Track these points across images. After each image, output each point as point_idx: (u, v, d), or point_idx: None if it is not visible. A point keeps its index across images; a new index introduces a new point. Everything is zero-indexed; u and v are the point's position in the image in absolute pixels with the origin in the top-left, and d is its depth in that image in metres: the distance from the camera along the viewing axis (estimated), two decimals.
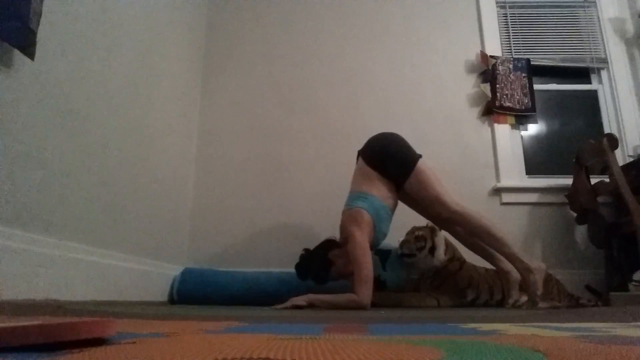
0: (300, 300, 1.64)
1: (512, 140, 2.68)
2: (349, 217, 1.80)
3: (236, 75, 2.79)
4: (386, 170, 1.86)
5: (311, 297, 1.66)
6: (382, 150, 1.89)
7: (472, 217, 1.78)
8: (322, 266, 1.84)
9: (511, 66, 2.75)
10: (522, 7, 2.97)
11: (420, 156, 1.91)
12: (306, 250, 1.93)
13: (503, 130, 2.68)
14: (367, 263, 1.67)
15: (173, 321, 0.77)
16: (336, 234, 1.99)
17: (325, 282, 1.87)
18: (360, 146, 2.05)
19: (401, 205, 2.60)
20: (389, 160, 1.86)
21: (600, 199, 2.26)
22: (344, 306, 1.63)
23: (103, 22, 1.54)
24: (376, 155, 1.89)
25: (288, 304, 1.63)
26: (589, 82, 2.86)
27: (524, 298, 2.02)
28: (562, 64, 2.86)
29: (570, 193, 2.36)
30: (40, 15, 1.14)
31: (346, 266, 1.83)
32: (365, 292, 1.62)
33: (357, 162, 1.98)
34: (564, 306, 1.96)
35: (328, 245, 1.89)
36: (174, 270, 2.18)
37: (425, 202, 1.86)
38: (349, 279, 1.88)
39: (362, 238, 1.71)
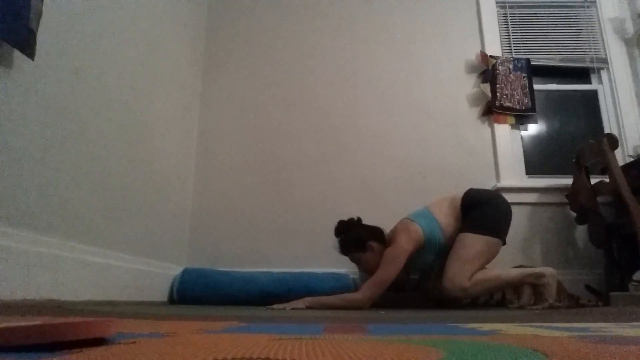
0: (299, 304, 1.64)
1: (512, 140, 2.68)
2: (403, 226, 1.81)
3: (236, 75, 2.79)
4: (469, 212, 1.83)
5: (308, 300, 1.67)
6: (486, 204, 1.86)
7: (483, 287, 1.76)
8: (357, 242, 1.85)
9: (511, 66, 2.75)
10: (522, 7, 2.97)
11: (504, 242, 1.87)
12: (359, 219, 1.95)
13: (503, 130, 2.68)
14: (393, 270, 1.69)
15: (173, 321, 0.77)
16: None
17: (348, 254, 1.89)
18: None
19: (401, 206, 2.60)
20: (481, 212, 1.82)
21: (600, 199, 2.25)
22: (341, 307, 1.63)
23: (103, 22, 1.54)
24: (476, 204, 1.85)
25: (287, 305, 1.63)
26: (589, 82, 2.86)
27: (525, 298, 2.02)
28: (562, 64, 2.86)
29: (570, 193, 2.36)
30: (40, 15, 1.14)
31: (372, 263, 1.83)
32: (369, 294, 1.63)
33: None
34: (564, 306, 1.96)
35: (376, 233, 1.89)
36: (174, 270, 2.18)
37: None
38: (364, 275, 1.90)
39: (404, 249, 1.71)
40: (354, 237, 1.87)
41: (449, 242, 1.83)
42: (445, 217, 1.84)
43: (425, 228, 1.79)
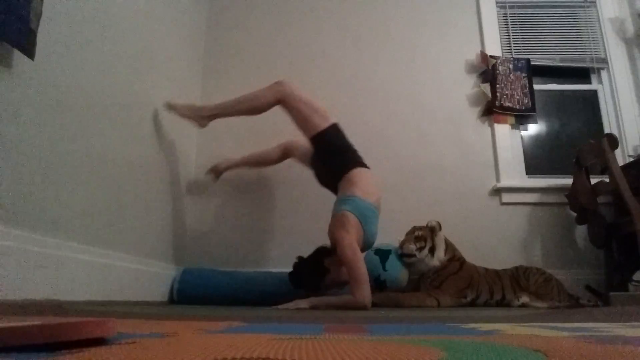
0: (304, 303, 1.64)
1: (512, 140, 2.68)
2: (335, 222, 1.78)
3: (236, 75, 2.79)
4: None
5: (314, 300, 1.66)
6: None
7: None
8: (316, 274, 1.83)
9: (511, 66, 2.75)
10: (522, 7, 2.97)
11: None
12: (299, 258, 1.93)
13: (503, 130, 2.68)
14: (359, 263, 1.66)
15: (173, 321, 0.77)
16: None
17: (319, 290, 1.86)
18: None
19: (401, 206, 2.60)
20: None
21: (600, 199, 2.26)
22: (345, 307, 1.63)
23: (103, 22, 1.54)
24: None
25: (292, 305, 1.63)
26: (589, 82, 2.86)
27: (525, 298, 2.02)
28: (562, 64, 2.86)
29: (570, 193, 2.36)
30: (40, 15, 1.14)
31: (340, 274, 1.83)
32: (363, 293, 1.62)
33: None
34: (564, 306, 1.96)
35: (322, 252, 1.88)
36: (174, 270, 2.18)
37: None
38: (342, 288, 1.88)
39: (350, 240, 1.69)
40: (310, 273, 1.85)
41: (373, 197, 1.86)
42: (359, 188, 1.84)
43: (350, 209, 1.78)
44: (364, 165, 1.98)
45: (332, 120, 2.00)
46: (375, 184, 1.94)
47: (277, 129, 2.67)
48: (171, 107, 2.06)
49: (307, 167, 2.22)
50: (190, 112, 2.06)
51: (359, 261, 1.67)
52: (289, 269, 1.93)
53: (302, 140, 2.20)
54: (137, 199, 1.80)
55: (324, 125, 1.97)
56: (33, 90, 1.17)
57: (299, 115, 2.00)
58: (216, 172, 2.41)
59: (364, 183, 1.87)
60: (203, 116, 2.06)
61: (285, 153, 2.33)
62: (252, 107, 2.02)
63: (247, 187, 2.58)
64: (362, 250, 1.80)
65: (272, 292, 2.07)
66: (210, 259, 2.44)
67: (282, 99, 1.99)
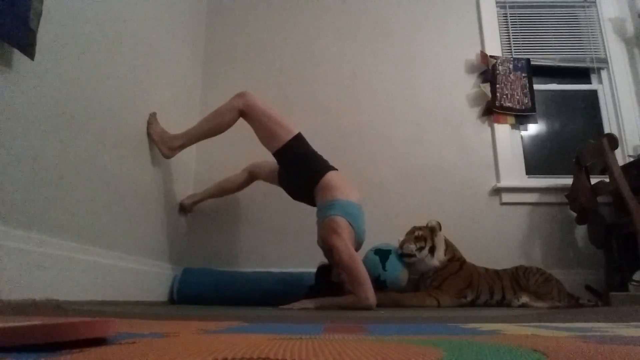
0: (309, 303, 1.64)
1: (512, 140, 2.68)
2: (325, 230, 1.76)
3: (236, 75, 2.79)
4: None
5: (319, 300, 1.67)
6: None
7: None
8: (330, 291, 1.78)
9: (511, 66, 2.75)
10: (522, 7, 2.97)
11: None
12: (319, 267, 1.91)
13: (503, 130, 2.68)
14: (357, 265, 1.66)
15: (173, 321, 0.77)
16: None
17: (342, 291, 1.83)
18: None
19: (401, 206, 2.61)
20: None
21: (600, 199, 2.26)
22: (351, 307, 1.63)
23: (103, 22, 1.54)
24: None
25: (297, 305, 1.63)
26: (589, 82, 2.86)
27: (525, 298, 2.02)
28: (562, 64, 2.86)
29: (570, 193, 2.36)
30: (40, 15, 1.14)
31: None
32: (366, 293, 1.62)
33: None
34: (564, 306, 1.96)
35: (325, 271, 1.86)
36: (174, 270, 2.18)
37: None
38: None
39: (343, 243, 1.68)
40: (324, 292, 1.79)
41: (355, 195, 1.87)
42: (339, 190, 1.84)
43: (336, 212, 1.77)
44: (333, 168, 1.97)
45: (295, 131, 1.95)
46: (350, 183, 1.94)
47: None
48: (150, 122, 1.90)
49: (275, 186, 2.18)
50: (160, 139, 1.90)
51: (358, 263, 1.67)
52: (289, 269, 1.93)
53: (265, 161, 2.19)
54: (137, 199, 1.80)
55: (287, 138, 1.92)
56: (33, 90, 1.17)
57: (260, 128, 1.94)
58: (184, 210, 2.34)
59: (342, 185, 1.88)
60: (174, 147, 1.93)
61: (251, 176, 2.32)
62: (217, 124, 1.93)
63: (247, 187, 2.58)
64: (356, 250, 1.80)
65: (271, 292, 2.07)
66: (210, 259, 2.44)
67: (243, 111, 1.92)
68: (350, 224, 1.77)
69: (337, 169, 1.98)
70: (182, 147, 1.97)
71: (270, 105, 2.00)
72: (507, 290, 2.07)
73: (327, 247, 1.76)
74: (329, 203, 1.82)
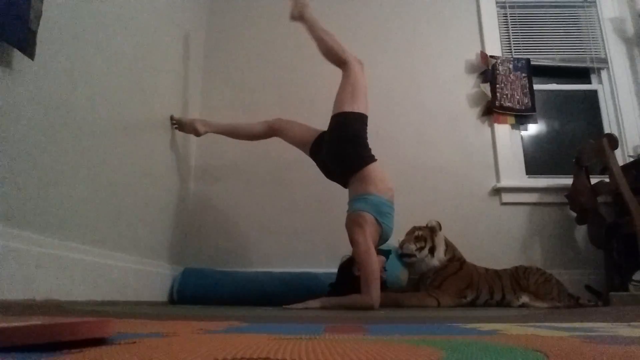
0: (314, 303, 1.65)
1: (512, 140, 2.68)
2: (351, 222, 1.80)
3: (236, 75, 2.79)
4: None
5: (324, 300, 1.68)
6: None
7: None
8: (356, 286, 1.77)
9: (511, 66, 2.75)
10: (522, 7, 2.97)
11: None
12: (343, 264, 1.92)
13: (503, 130, 2.68)
14: (371, 264, 1.68)
15: (173, 321, 0.77)
16: (336, 234, 1.99)
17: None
18: None
19: (401, 206, 2.60)
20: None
21: (600, 199, 2.26)
22: (354, 307, 1.64)
23: (103, 22, 1.54)
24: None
25: (301, 305, 1.64)
26: (589, 82, 2.86)
27: (525, 298, 2.02)
28: (562, 64, 2.86)
29: (570, 193, 2.36)
30: (40, 15, 1.14)
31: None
32: (371, 293, 1.63)
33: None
34: (564, 306, 1.96)
35: (348, 266, 1.86)
36: (174, 270, 2.18)
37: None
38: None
39: (363, 240, 1.71)
40: (350, 288, 1.79)
41: (390, 192, 1.88)
42: (374, 185, 1.83)
43: (365, 207, 1.79)
44: (374, 159, 1.96)
45: (367, 113, 2.03)
46: (389, 179, 1.93)
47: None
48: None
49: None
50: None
51: (373, 262, 1.68)
52: (289, 269, 1.93)
53: (296, 122, 2.17)
54: (137, 198, 1.80)
55: (361, 109, 1.99)
56: (33, 90, 1.17)
57: (348, 86, 2.05)
58: (196, 133, 2.26)
59: (379, 179, 1.87)
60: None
61: (271, 131, 2.22)
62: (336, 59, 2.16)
63: (247, 188, 2.58)
64: (379, 244, 1.82)
65: (272, 292, 2.07)
66: (210, 259, 2.44)
67: (349, 64, 2.08)
68: (377, 220, 1.79)
69: (376, 159, 1.95)
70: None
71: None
72: (507, 290, 2.07)
73: (349, 237, 1.79)
74: (361, 197, 1.83)
